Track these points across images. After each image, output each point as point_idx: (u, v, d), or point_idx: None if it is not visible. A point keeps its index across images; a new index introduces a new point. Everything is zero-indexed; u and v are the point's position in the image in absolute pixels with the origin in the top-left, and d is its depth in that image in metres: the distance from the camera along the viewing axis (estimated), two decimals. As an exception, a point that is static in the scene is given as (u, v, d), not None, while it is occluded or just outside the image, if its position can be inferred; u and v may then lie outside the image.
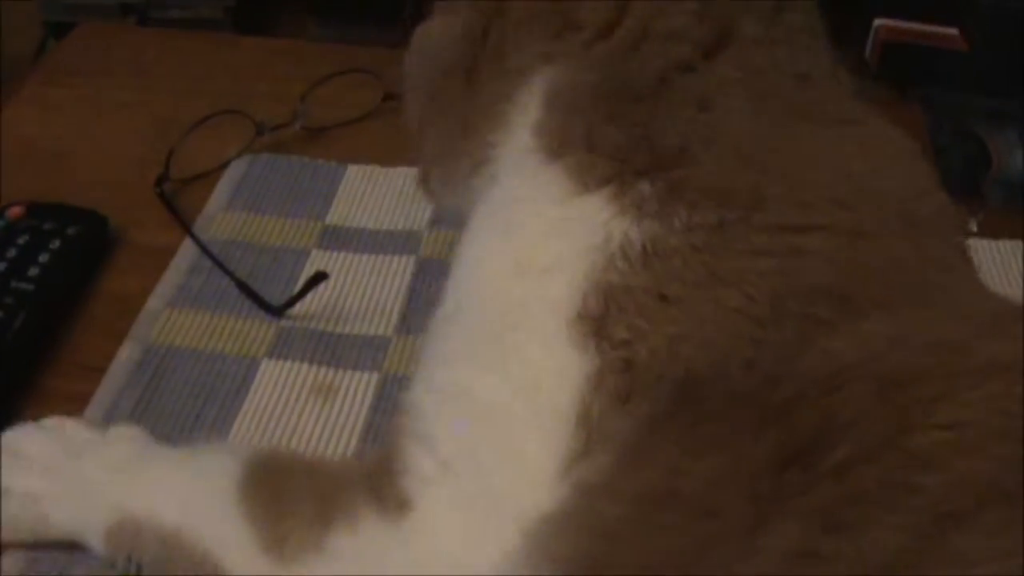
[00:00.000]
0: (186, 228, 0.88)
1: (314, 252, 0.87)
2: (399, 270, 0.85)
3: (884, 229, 0.55)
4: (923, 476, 0.42)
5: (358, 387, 0.76)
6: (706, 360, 0.51)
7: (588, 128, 0.57)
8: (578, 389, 0.53)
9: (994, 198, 0.94)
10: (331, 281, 0.82)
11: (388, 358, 0.78)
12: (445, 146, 0.68)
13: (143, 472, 0.65)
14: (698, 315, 0.52)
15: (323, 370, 0.77)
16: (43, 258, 0.82)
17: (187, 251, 0.87)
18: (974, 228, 0.90)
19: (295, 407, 0.75)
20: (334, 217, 0.90)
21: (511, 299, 0.57)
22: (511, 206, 0.60)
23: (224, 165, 0.95)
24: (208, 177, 0.94)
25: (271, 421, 0.74)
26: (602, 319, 0.53)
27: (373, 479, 0.58)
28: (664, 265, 0.53)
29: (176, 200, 0.92)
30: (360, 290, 0.82)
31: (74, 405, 0.75)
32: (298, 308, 0.81)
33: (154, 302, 0.83)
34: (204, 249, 0.86)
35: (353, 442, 0.73)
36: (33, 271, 0.80)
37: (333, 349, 0.79)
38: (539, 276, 0.56)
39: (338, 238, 0.88)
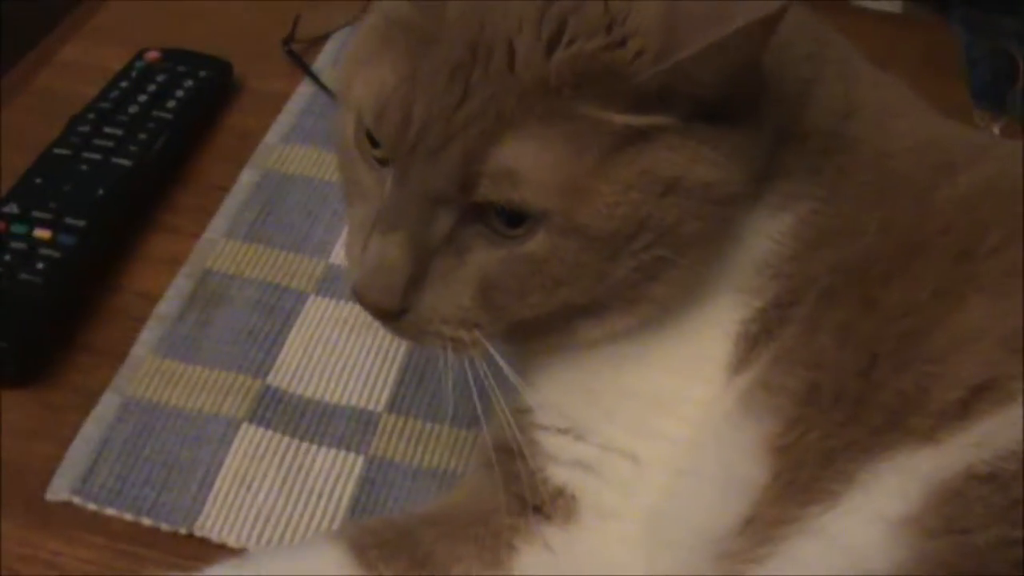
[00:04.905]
0: (314, 77, 1.01)
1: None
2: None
3: None
4: None
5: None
6: None
7: None
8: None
9: (1015, 108, 1.04)
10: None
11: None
12: None
13: None
14: None
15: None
16: (179, 94, 0.94)
17: (300, 97, 0.99)
18: (996, 132, 1.01)
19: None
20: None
21: None
22: None
23: (336, 30, 1.07)
24: (324, 40, 1.07)
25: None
26: None
27: (515, 502, 0.61)
28: None
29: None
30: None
31: (200, 216, 0.88)
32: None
33: (271, 137, 0.95)
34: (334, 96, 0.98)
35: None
36: (170, 104, 0.93)
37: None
38: None
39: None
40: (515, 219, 0.53)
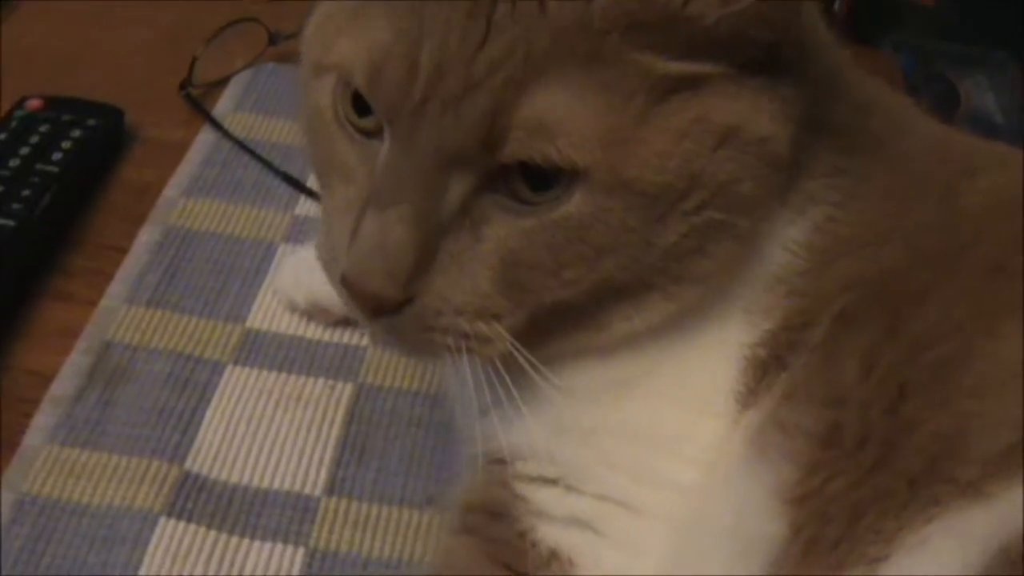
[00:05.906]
0: (215, 123, 0.93)
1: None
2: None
3: None
4: None
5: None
6: None
7: None
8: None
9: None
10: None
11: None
12: None
13: None
14: None
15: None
16: (65, 145, 0.85)
17: (201, 146, 0.91)
18: None
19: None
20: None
21: None
22: None
23: (236, 72, 0.99)
24: (224, 84, 0.98)
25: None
26: None
27: (501, 571, 0.54)
28: None
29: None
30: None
31: (96, 281, 0.79)
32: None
33: (171, 191, 0.86)
34: (239, 143, 0.91)
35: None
36: (56, 156, 0.83)
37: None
38: None
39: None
40: (543, 182, 0.46)
